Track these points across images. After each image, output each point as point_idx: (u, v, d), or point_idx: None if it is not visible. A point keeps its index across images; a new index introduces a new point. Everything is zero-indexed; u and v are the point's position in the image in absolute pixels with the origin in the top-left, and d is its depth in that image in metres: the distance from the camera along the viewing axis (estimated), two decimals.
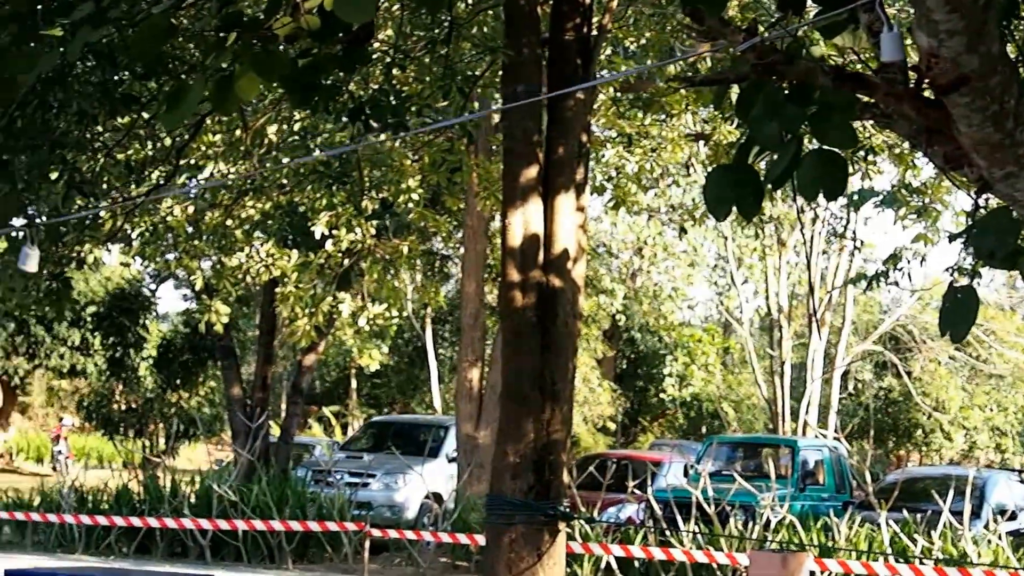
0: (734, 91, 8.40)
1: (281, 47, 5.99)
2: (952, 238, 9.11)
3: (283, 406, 43.29)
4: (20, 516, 22.88)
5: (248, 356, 41.81)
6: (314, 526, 21.09)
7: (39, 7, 6.86)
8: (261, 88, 8.22)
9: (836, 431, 41.69)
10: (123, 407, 44.19)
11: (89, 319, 40.61)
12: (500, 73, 13.04)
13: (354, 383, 54.24)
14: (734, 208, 5.56)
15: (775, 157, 5.46)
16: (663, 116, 21.67)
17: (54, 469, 43.80)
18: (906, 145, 19.33)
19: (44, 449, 49.40)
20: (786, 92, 5.47)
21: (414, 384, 51.21)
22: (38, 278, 14.02)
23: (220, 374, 34.67)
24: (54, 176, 12.08)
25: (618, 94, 20.62)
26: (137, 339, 41.34)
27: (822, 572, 17.76)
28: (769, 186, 5.59)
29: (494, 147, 21.63)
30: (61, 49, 6.78)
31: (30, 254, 11.22)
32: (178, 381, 41.84)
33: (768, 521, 20.67)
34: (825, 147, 5.37)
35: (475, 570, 21.94)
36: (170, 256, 20.44)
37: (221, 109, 6.00)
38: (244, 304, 33.37)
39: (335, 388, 56.17)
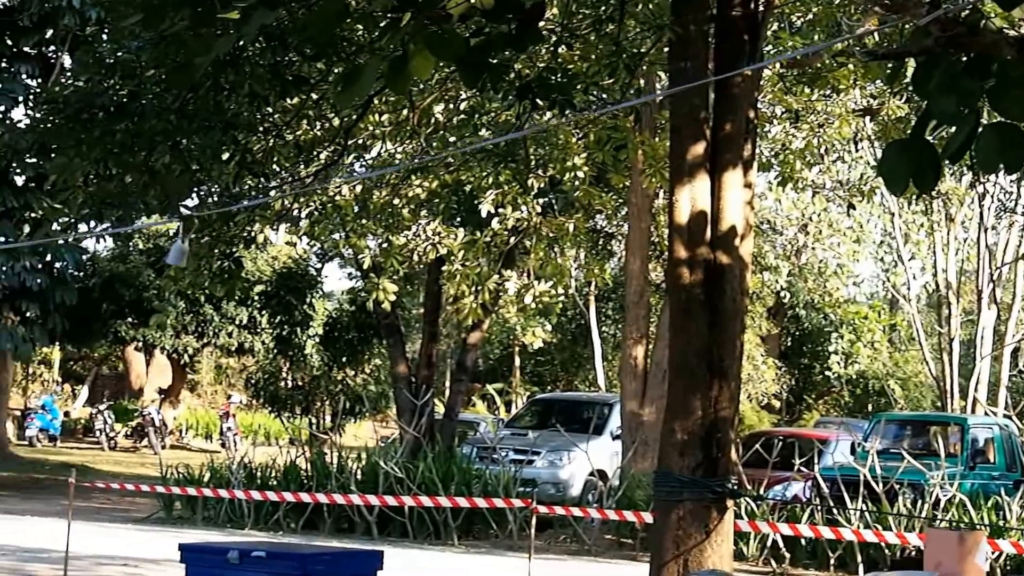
0: (908, 66, 8.29)
1: (455, 26, 6.02)
2: None
3: (447, 384, 43.60)
4: (191, 492, 23.30)
5: (413, 334, 42.19)
6: (480, 502, 21.22)
7: None
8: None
9: (1007, 409, 40.97)
10: (290, 385, 44.82)
11: (257, 298, 41.19)
12: (666, 50, 12.99)
13: (517, 361, 54.41)
14: (910, 183, 5.51)
15: (952, 131, 5.39)
16: (830, 91, 21.45)
17: (222, 446, 44.55)
18: None
19: (213, 426, 50.25)
20: (964, 66, 5.40)
21: (577, 362, 51.28)
22: (210, 257, 14.27)
23: (385, 352, 35.03)
24: (226, 157, 12.27)
25: (784, 70, 20.45)
26: (304, 317, 41.86)
27: (994, 552, 17.52)
28: (946, 161, 5.52)
29: (660, 124, 21.57)
30: (236, 32, 6.88)
31: (181, 250, 11.41)
32: (344, 359, 42.30)
33: (937, 500, 20.42)
34: (1004, 120, 5.28)
35: (640, 547, 21.95)
36: (338, 235, 20.69)
37: (395, 88, 6.07)
38: (409, 282, 33.65)
39: (499, 366, 56.41)
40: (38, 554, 18.97)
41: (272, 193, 14.57)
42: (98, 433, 46.40)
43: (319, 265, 45.05)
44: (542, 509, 20.00)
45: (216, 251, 14.16)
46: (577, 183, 19.15)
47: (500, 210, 18.48)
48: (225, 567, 9.90)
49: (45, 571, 17.32)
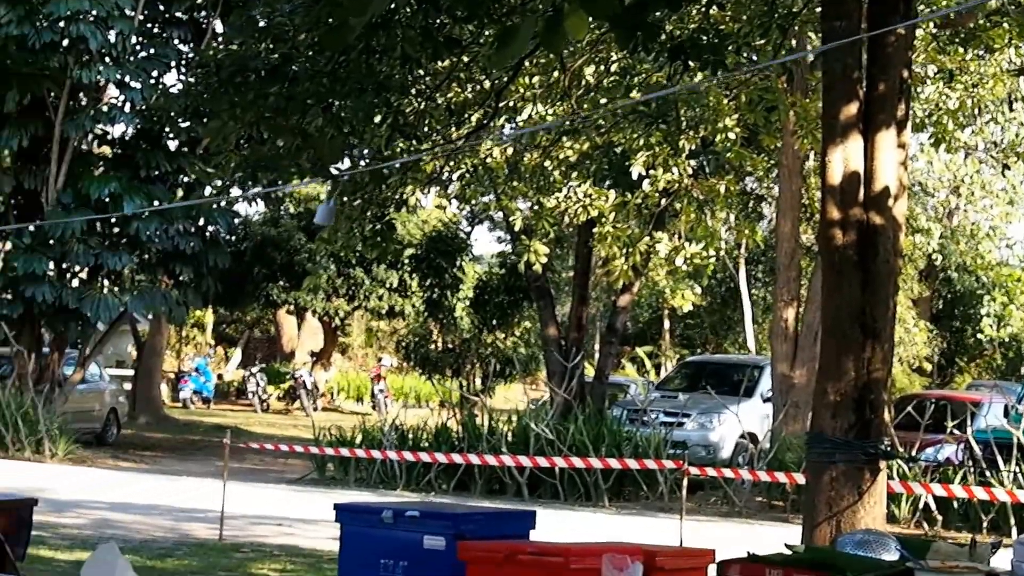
0: None
1: None
2: None
3: (597, 346, 43.61)
4: (344, 453, 23.55)
5: (562, 297, 42.21)
6: (632, 464, 21.22)
7: None
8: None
9: None
10: (440, 347, 45.10)
11: (407, 261, 41.47)
12: (819, 10, 12.84)
13: (667, 324, 54.31)
14: None
15: None
16: (984, 51, 21.09)
17: (374, 408, 45.02)
18: None
19: (364, 388, 50.77)
20: None
21: (727, 324, 51.06)
22: (362, 220, 14.37)
23: (535, 315, 35.10)
24: (377, 120, 12.34)
25: (937, 30, 20.15)
26: (454, 280, 42.06)
27: None
28: None
29: (811, 85, 21.34)
30: None
31: (329, 209, 11.49)
32: (494, 322, 42.43)
33: None
34: None
35: (790, 509, 21.85)
36: (489, 198, 20.74)
37: (550, 47, 6.06)
38: (558, 245, 33.67)
39: (648, 329, 56.33)
40: (194, 514, 19.30)
41: (423, 156, 14.63)
42: (250, 395, 47.12)
43: (468, 228, 45.29)
44: (693, 471, 19.94)
45: (368, 214, 14.27)
46: (728, 145, 19.02)
47: (651, 172, 18.40)
48: (379, 526, 9.98)
49: (201, 530, 17.61)
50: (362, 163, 13.88)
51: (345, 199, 13.93)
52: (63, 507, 17.37)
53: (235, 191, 25.57)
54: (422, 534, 9.74)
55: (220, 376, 51.28)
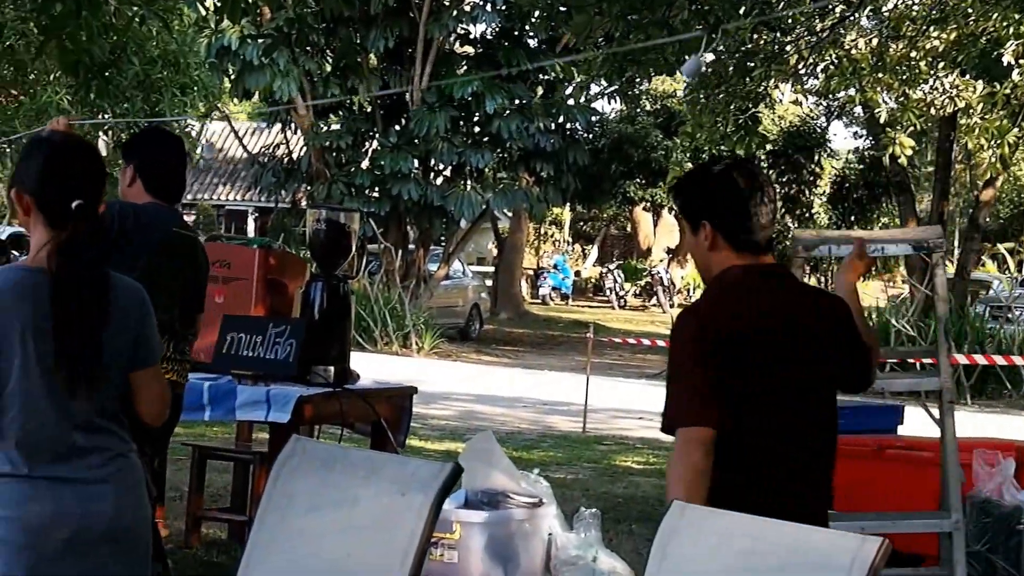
0: None
1: None
2: None
3: (956, 242, 42.61)
4: None
5: (921, 192, 41.33)
6: (999, 360, 20.73)
7: None
8: None
9: None
10: None
11: (763, 157, 41.14)
12: None
13: None
14: None
15: None
16: None
17: None
18: None
19: None
20: None
21: None
22: (726, 114, 14.31)
23: (894, 210, 34.47)
24: (742, 11, 12.22)
25: None
26: (812, 176, 41.59)
27: None
28: None
29: None
30: None
31: (698, 63, 11.39)
32: (852, 217, 41.88)
33: None
34: None
35: None
36: (852, 90, 20.30)
37: None
38: (919, 139, 32.93)
39: (1009, 225, 54.70)
40: (556, 407, 19.65)
41: (787, 47, 14.45)
42: (608, 292, 47.60)
43: (825, 124, 44.58)
44: None
45: (732, 107, 14.19)
46: None
47: (1021, 61, 17.77)
48: None
49: (563, 423, 17.92)
50: (724, 57, 13.79)
51: (710, 92, 13.88)
52: (431, 399, 17.89)
53: (593, 88, 25.72)
54: None
55: (578, 273, 51.93)
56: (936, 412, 6.96)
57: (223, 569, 8.33)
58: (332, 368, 7.42)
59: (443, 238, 31.81)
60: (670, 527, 3.92)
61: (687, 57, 11.50)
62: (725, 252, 4.47)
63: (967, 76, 18.92)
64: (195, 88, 23.51)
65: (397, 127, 28.52)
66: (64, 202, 4.15)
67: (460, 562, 7.96)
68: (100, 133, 28.91)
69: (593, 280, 52.16)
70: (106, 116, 21.29)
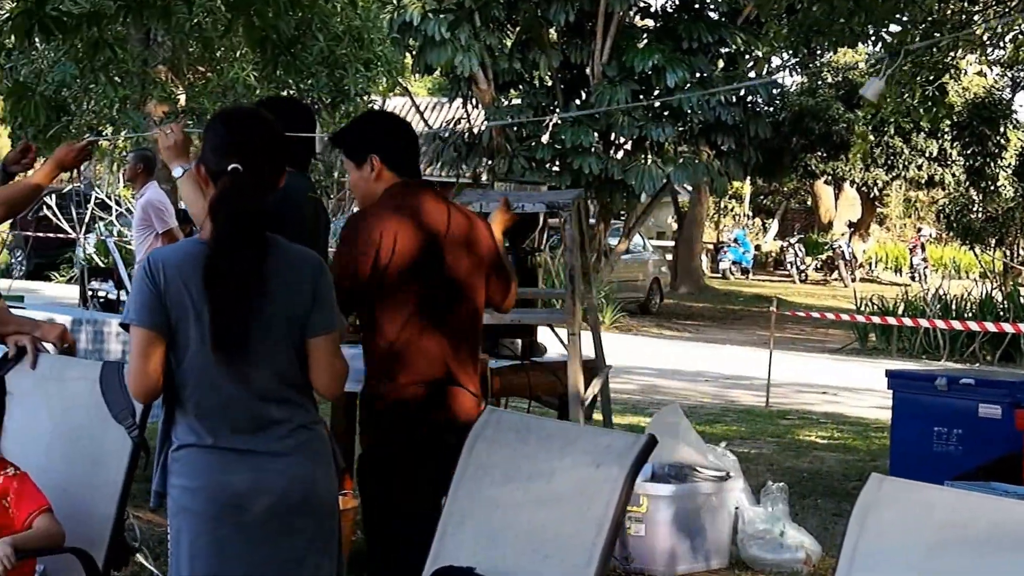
0: None
1: None
2: None
3: None
4: (891, 321, 23.30)
5: None
6: None
7: None
8: None
9: None
10: (982, 217, 43.91)
11: (947, 129, 40.45)
12: None
13: None
14: None
15: None
16: None
17: (912, 279, 44.35)
18: None
19: (902, 259, 50.07)
20: None
21: None
22: (913, 85, 14.12)
23: None
24: None
25: None
26: (997, 148, 40.79)
27: None
28: None
29: None
30: None
31: (878, 86, 11.26)
32: None
33: None
34: None
35: None
36: None
37: None
38: None
39: None
40: (739, 381, 19.57)
41: (975, 18, 14.22)
42: (788, 266, 47.22)
43: (1010, 95, 43.65)
44: None
45: (918, 79, 14.01)
46: None
47: None
48: (932, 393, 9.92)
49: (747, 397, 17.85)
50: (911, 27, 13.59)
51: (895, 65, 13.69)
52: (612, 373, 17.91)
53: (775, 60, 25.46)
54: (977, 402, 9.64)
55: (758, 247, 51.55)
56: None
57: None
58: (519, 340, 7.48)
59: (623, 212, 31.74)
60: (868, 500, 3.90)
61: (869, 31, 11.36)
62: (389, 176, 5.40)
63: None
64: (378, 64, 23.71)
65: (578, 101, 28.52)
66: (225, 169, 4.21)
67: (647, 535, 8.00)
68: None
69: (773, 254, 51.76)
70: (291, 92, 21.54)
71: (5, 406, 4.72)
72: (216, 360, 4.12)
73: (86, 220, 28.11)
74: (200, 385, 4.17)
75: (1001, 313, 24.11)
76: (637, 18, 30.35)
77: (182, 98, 21.38)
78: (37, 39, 9.40)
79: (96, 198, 27.89)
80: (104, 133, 21.48)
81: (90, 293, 9.08)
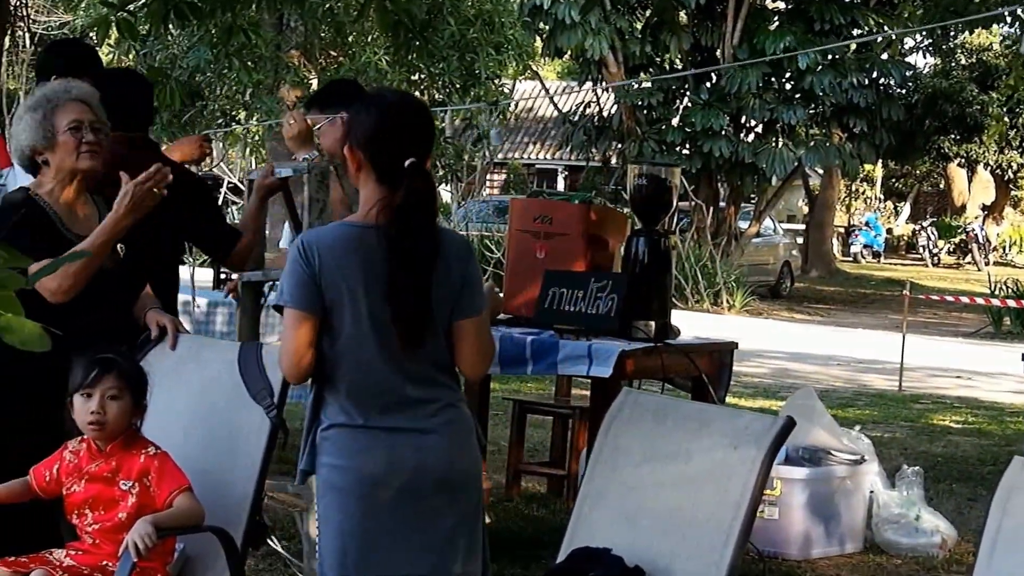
0: None
1: None
2: None
3: None
4: None
5: None
6: None
7: None
8: None
9: None
10: None
11: None
12: None
13: None
14: None
15: None
16: None
17: None
18: None
19: None
20: None
21: None
22: None
23: None
24: None
25: None
26: None
27: None
28: None
29: None
30: None
31: None
32: None
33: None
34: None
35: None
36: None
37: None
38: None
39: None
40: (871, 365, 19.38)
41: None
42: (921, 249, 46.71)
43: None
44: None
45: None
46: None
47: None
48: None
49: (879, 381, 17.66)
50: None
51: None
52: (743, 356, 17.80)
53: (908, 42, 25.20)
54: None
55: (889, 230, 51.05)
56: None
57: (542, 523, 8.46)
58: (653, 323, 7.44)
59: (754, 195, 31.57)
60: (1011, 482, 3.85)
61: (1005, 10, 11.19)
62: None
63: None
64: (509, 47, 23.73)
65: (708, 84, 28.38)
66: (393, 160, 4.22)
67: (781, 518, 7.94)
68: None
69: (905, 238, 51.21)
70: (422, 76, 21.65)
71: (146, 388, 4.78)
72: (388, 344, 4.18)
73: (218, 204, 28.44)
74: (353, 366, 4.21)
75: None
76: (768, 0, 30.15)
77: (314, 83, 21.49)
78: (172, 25, 9.48)
79: (228, 182, 28.21)
80: (237, 118, 21.71)
81: (223, 276, 9.18)
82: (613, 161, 30.15)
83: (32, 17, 28.52)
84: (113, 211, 5.04)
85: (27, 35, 28.36)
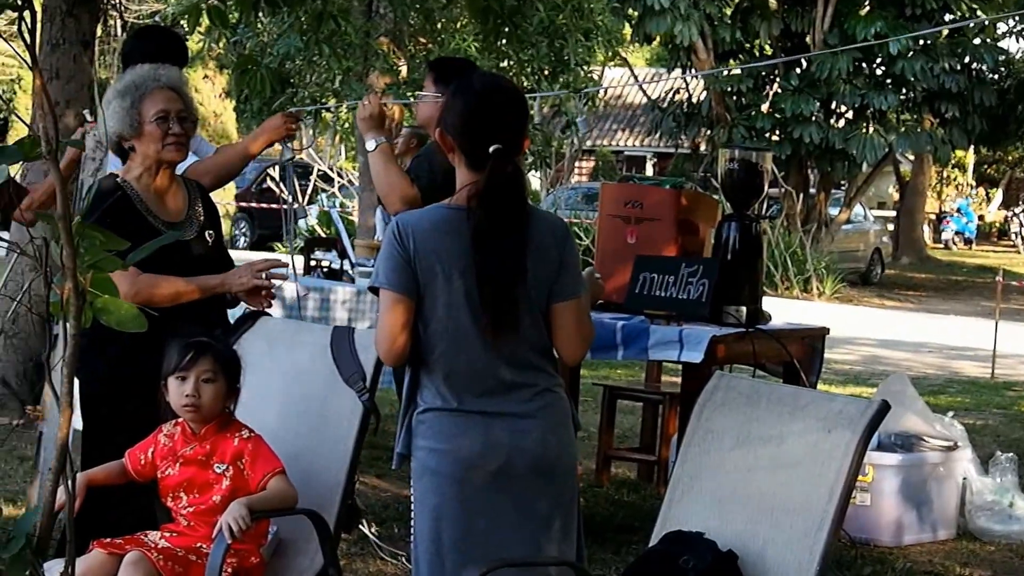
0: None
1: None
2: None
3: None
4: None
5: None
6: None
7: None
8: None
9: None
10: None
11: None
12: None
13: None
14: None
15: None
16: None
17: None
18: None
19: None
20: None
21: None
22: None
23: None
24: None
25: None
26: None
27: None
28: None
29: None
30: None
31: None
32: None
33: None
34: None
35: None
36: None
37: None
38: None
39: None
40: (963, 352, 19.21)
41: None
42: (1013, 236, 46.20)
43: None
44: None
45: None
46: None
47: None
48: None
49: (971, 368, 17.51)
50: None
51: None
52: (834, 343, 17.67)
53: (1001, 27, 24.94)
54: None
55: (981, 217, 50.53)
56: None
57: (633, 508, 8.45)
58: (744, 308, 7.41)
59: (844, 181, 31.36)
60: None
61: None
62: None
63: None
64: (598, 34, 23.67)
65: (798, 69, 28.20)
66: (480, 146, 4.24)
67: (873, 504, 7.89)
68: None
69: (997, 224, 50.67)
70: (511, 62, 21.62)
71: (240, 372, 4.81)
72: (481, 327, 4.19)
73: (308, 192, 28.56)
74: (449, 349, 4.22)
75: None
76: None
77: (403, 70, 21.54)
78: (262, 12, 9.53)
79: (319, 170, 28.35)
80: (327, 105, 21.79)
81: (313, 263, 9.24)
82: (702, 148, 30.04)
83: (124, 5, 28.73)
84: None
85: (119, 23, 28.59)
